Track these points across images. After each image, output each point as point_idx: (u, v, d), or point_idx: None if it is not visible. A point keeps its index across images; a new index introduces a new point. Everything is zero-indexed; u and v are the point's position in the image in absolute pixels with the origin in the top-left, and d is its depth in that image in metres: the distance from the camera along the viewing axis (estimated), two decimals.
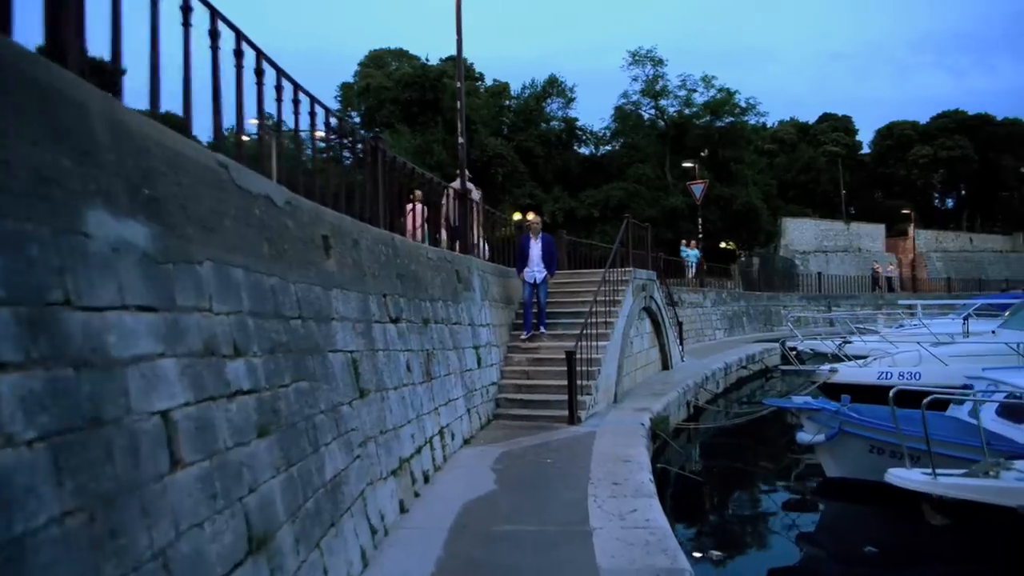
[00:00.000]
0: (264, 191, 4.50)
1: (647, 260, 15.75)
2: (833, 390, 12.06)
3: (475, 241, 12.13)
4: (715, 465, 11.55)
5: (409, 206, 10.72)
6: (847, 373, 12.35)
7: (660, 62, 44.50)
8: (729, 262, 40.58)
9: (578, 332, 11.66)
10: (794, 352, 16.22)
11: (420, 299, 7.99)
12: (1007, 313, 15.80)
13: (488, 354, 10.68)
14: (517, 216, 28.69)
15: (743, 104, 44.63)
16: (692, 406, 14.11)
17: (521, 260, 12.11)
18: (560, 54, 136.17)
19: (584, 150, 48.62)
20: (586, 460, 7.94)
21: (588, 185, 42.76)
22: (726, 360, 18.50)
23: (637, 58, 44.62)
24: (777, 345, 23.68)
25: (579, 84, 46.37)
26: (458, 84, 11.98)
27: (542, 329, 11.95)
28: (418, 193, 10.76)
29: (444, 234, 11.53)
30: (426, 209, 11.12)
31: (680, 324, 18.19)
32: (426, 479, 6.97)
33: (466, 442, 8.86)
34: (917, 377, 11.62)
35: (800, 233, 51.59)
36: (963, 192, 68.57)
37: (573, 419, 10.01)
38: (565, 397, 10.31)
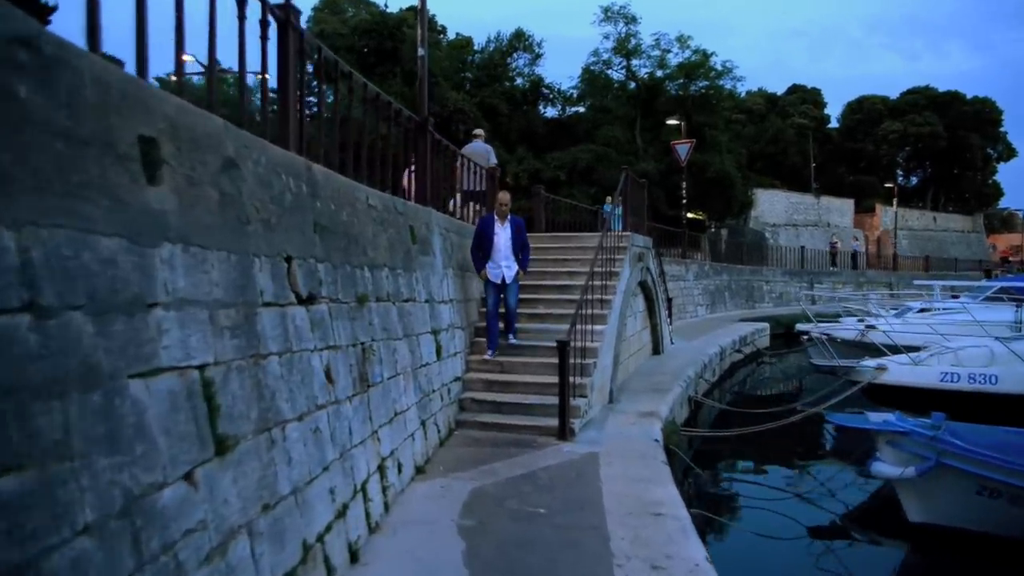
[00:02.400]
0: None
1: (643, 224, 13.14)
2: (882, 394, 9.71)
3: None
4: (748, 494, 8.89)
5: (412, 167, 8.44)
6: (899, 373, 9.92)
7: (633, 19, 42.01)
8: (698, 232, 38.31)
9: (565, 312, 9.16)
10: (806, 338, 13.86)
11: (354, 265, 5.27)
12: None
13: (451, 340, 8.02)
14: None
15: (719, 67, 42.25)
16: (693, 402, 11.71)
17: (481, 251, 8.75)
18: (524, 17, 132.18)
19: (551, 111, 45.84)
20: (596, 510, 5.37)
21: (554, 147, 40.05)
22: (720, 343, 16.13)
23: (609, 14, 41.93)
24: (767, 326, 21.57)
25: (545, 49, 43.11)
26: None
27: (512, 339, 8.89)
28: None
29: (458, 199, 10.25)
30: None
31: (670, 301, 15.73)
32: (353, 557, 4.32)
33: (419, 471, 6.21)
34: (992, 381, 9.30)
35: (771, 205, 49.64)
36: (929, 170, 67.53)
37: (564, 432, 7.43)
38: (550, 399, 7.75)
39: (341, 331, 4.80)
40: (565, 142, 40.51)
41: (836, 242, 42.95)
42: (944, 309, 15.30)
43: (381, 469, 5.22)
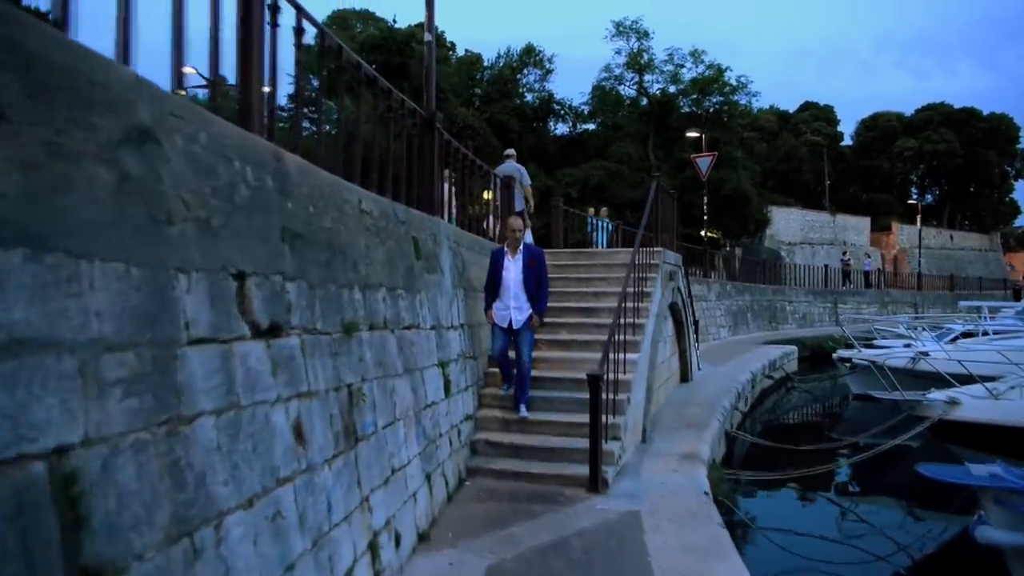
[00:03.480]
0: None
1: (673, 240, 11.95)
2: (953, 432, 8.47)
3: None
4: (811, 555, 7.41)
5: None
6: (976, 408, 8.60)
7: (646, 35, 41.12)
8: (713, 250, 37.07)
9: (590, 339, 8.10)
10: (848, 365, 12.64)
11: (340, 284, 4.12)
12: None
13: (461, 373, 6.85)
14: (487, 196, 24.77)
15: (733, 82, 41.25)
16: (729, 436, 10.49)
17: (491, 288, 7.28)
18: (532, 38, 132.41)
19: (562, 128, 44.92)
20: None
21: (565, 164, 39.09)
22: (750, 369, 14.90)
23: (621, 30, 41.08)
24: (794, 349, 20.33)
25: (555, 65, 42.15)
26: None
27: (523, 410, 7.13)
28: (445, 172, 7.60)
29: (491, 221, 9.86)
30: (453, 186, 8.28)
31: (697, 323, 14.52)
32: None
33: (422, 538, 5.02)
34: None
35: (786, 223, 48.48)
36: (945, 187, 66.25)
37: (597, 483, 6.22)
38: (577, 441, 6.61)
39: (319, 371, 3.65)
40: (576, 159, 39.58)
41: (849, 259, 41.42)
42: (996, 333, 14.01)
43: (373, 548, 4.04)
